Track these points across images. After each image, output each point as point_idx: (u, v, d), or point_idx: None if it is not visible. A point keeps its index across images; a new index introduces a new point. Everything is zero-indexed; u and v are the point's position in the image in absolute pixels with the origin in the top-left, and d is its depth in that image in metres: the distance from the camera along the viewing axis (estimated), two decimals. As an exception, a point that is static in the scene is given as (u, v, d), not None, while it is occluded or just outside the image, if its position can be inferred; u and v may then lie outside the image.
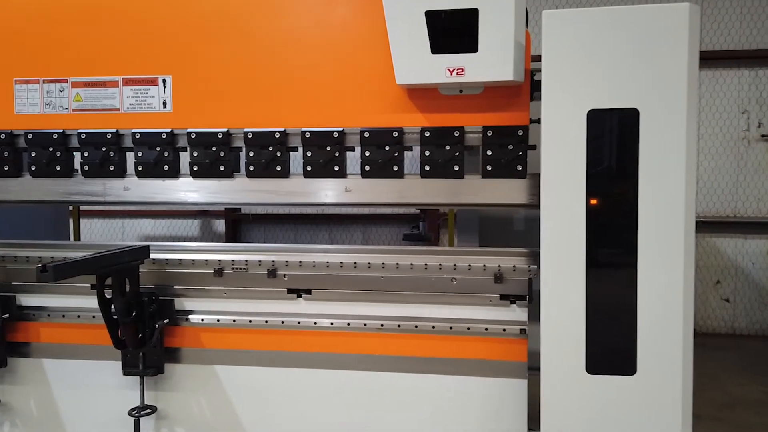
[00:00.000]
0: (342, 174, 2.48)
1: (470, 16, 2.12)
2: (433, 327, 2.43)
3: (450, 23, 2.16)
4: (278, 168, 2.50)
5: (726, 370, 5.39)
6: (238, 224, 7.60)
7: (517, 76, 2.16)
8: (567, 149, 2.07)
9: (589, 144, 2.06)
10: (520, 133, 2.33)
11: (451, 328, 2.42)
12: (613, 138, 2.07)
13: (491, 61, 2.15)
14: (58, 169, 2.63)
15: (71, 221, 6.04)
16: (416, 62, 2.20)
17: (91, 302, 2.54)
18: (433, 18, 2.15)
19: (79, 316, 2.64)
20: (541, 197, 2.12)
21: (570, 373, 2.10)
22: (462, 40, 2.16)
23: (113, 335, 2.43)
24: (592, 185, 2.06)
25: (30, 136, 2.62)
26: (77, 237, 6.52)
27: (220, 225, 7.63)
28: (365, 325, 2.47)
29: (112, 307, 2.41)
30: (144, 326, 2.49)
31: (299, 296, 2.53)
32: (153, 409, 2.57)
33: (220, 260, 2.57)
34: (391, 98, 2.40)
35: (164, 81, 2.54)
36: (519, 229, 3.28)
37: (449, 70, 2.18)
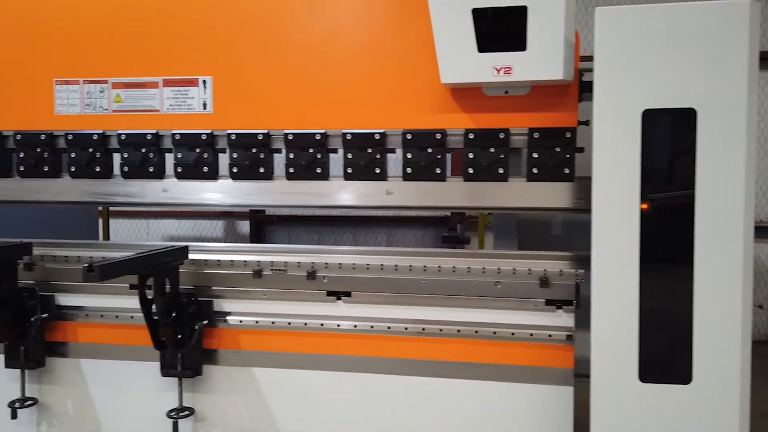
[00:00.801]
0: (383, 176, 2.44)
1: (518, 14, 2.08)
2: (476, 332, 2.38)
3: (497, 21, 2.12)
4: (318, 170, 2.48)
5: (761, 377, 5.22)
6: (263, 225, 7.60)
7: (566, 76, 2.11)
8: (620, 151, 2.01)
9: (644, 145, 1.99)
10: (568, 135, 2.27)
11: (494, 333, 2.37)
12: (669, 139, 2.01)
13: (540, 60, 2.10)
14: (98, 170, 2.63)
15: (100, 221, 6.10)
16: (462, 61, 2.16)
17: (129, 302, 2.54)
18: (480, 16, 2.11)
19: (117, 317, 2.63)
20: (592, 201, 2.06)
21: (622, 381, 2.04)
22: (509, 38, 2.11)
23: (154, 336, 2.42)
24: (646, 188, 2.00)
25: (70, 137, 2.63)
26: (106, 237, 6.56)
27: (244, 226, 7.64)
28: (406, 328, 2.43)
29: (152, 308, 2.40)
30: (183, 327, 2.48)
31: (339, 298, 2.50)
32: (191, 411, 2.55)
33: (258, 261, 2.55)
34: (434, 99, 2.36)
35: (204, 82, 2.53)
36: (557, 234, 3.21)
37: (496, 68, 2.14)
